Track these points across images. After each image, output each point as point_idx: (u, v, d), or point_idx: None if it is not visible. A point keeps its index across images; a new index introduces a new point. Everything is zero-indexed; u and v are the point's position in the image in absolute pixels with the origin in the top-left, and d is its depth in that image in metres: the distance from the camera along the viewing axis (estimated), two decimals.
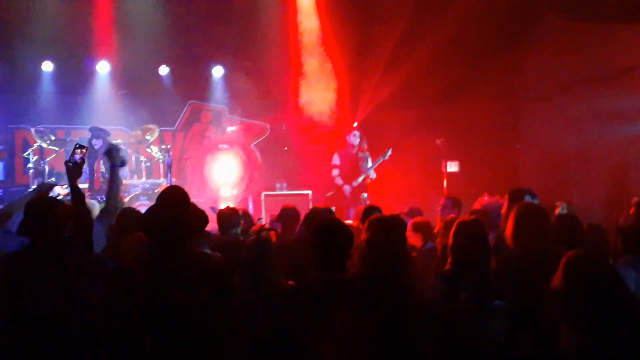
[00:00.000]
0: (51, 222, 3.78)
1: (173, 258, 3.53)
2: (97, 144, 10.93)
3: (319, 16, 12.60)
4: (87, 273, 3.75)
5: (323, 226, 3.79)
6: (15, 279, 3.65)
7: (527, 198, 5.42)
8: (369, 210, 6.38)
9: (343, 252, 3.67)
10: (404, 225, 4.61)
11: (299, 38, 12.68)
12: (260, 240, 4.18)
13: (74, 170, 4.26)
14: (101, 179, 10.68)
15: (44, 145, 11.28)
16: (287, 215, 6.68)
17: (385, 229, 4.00)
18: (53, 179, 10.64)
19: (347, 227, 3.81)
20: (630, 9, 10.05)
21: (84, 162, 4.36)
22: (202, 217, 4.13)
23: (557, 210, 6.92)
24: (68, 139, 11.66)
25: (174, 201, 3.71)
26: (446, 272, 4.14)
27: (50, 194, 4.90)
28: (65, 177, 4.32)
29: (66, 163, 4.29)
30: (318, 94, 12.94)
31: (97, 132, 11.14)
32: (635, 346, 2.96)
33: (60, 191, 4.92)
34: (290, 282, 4.04)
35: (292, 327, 3.20)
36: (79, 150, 4.31)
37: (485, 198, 6.07)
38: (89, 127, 11.47)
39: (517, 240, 4.26)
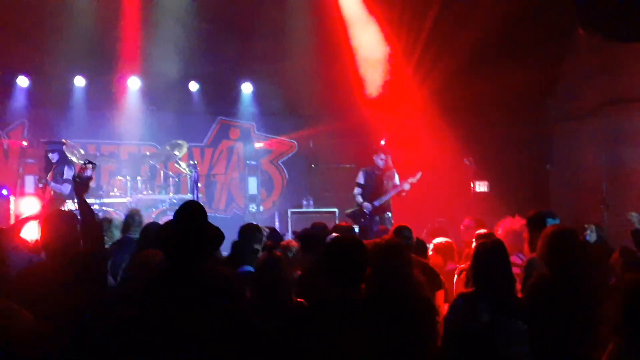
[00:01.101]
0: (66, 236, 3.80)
1: (186, 273, 3.51)
2: (54, 157, 10.85)
3: (348, 31, 12.61)
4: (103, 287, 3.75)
5: (336, 243, 3.78)
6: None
7: (550, 220, 5.32)
8: (398, 230, 6.33)
9: (355, 269, 3.65)
10: (406, 247, 4.56)
11: (328, 55, 12.70)
12: (271, 257, 4.16)
13: (81, 186, 4.28)
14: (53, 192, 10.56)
15: (74, 159, 11.39)
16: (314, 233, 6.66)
17: (387, 253, 3.95)
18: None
19: (361, 244, 3.80)
20: None
21: (92, 179, 4.37)
22: (217, 234, 4.11)
23: (586, 234, 6.82)
24: (98, 153, 11.79)
25: (189, 216, 3.69)
26: (468, 293, 4.08)
27: (84, 175, 4.85)
28: (94, 191, 4.35)
29: (74, 178, 4.30)
30: (346, 111, 12.95)
31: (52, 146, 11.05)
32: None
33: (89, 172, 4.95)
34: (300, 300, 4.01)
35: (301, 345, 3.18)
36: (90, 166, 4.32)
37: (508, 220, 6.00)
38: (118, 141, 11.58)
39: (546, 265, 4.18)
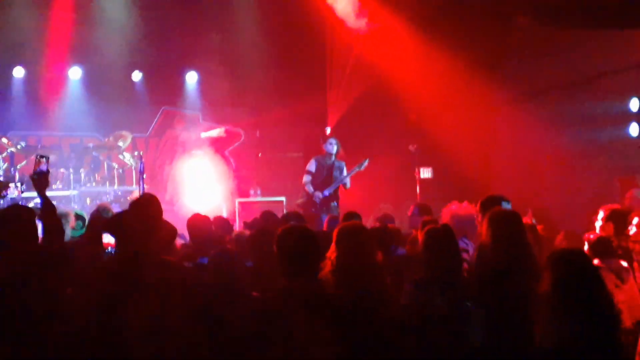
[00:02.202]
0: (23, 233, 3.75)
1: (143, 267, 3.50)
2: None
3: (292, 20, 12.60)
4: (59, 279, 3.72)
5: (287, 233, 3.80)
6: None
7: (504, 204, 5.42)
8: (349, 216, 6.38)
9: (309, 259, 3.68)
10: (373, 235, 4.59)
11: (273, 43, 12.68)
12: (222, 253, 4.17)
13: (41, 182, 4.21)
14: None
15: (14, 150, 11.13)
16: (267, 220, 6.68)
17: (355, 242, 3.97)
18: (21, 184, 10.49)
19: (312, 234, 3.83)
20: (603, 15, 10.18)
21: (49, 172, 4.31)
22: (171, 230, 4.12)
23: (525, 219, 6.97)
24: (39, 146, 11.54)
25: (149, 211, 3.68)
26: (420, 279, 4.15)
27: (4, 194, 4.82)
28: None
29: (31, 177, 4.23)
30: (292, 100, 12.96)
31: None
32: (609, 341, 3.04)
33: (14, 192, 4.91)
34: (254, 293, 4.02)
35: (256, 338, 3.20)
36: (43, 160, 4.25)
37: (454, 206, 6.09)
38: (60, 133, 11.35)
39: (494, 247, 4.27)
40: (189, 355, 3.44)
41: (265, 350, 3.34)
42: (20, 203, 6.31)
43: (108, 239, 4.92)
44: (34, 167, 4.24)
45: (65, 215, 5.97)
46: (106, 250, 5.09)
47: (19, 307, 3.51)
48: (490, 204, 5.36)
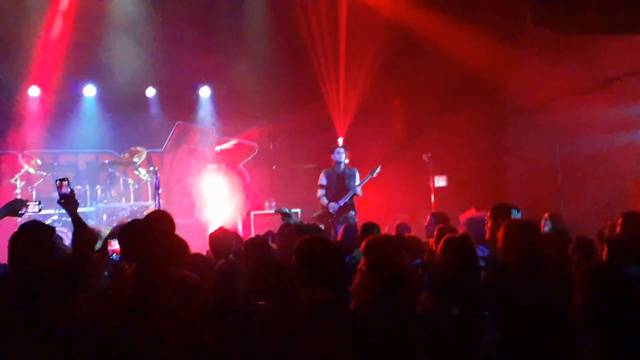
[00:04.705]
0: (34, 250, 3.78)
1: (154, 281, 3.53)
2: None
3: (302, 34, 12.67)
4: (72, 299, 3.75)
5: (304, 244, 3.81)
6: None
7: (514, 212, 5.42)
8: (368, 227, 6.38)
9: (324, 269, 3.68)
10: (400, 244, 4.59)
11: (285, 56, 12.74)
12: (228, 264, 4.18)
13: (69, 204, 4.26)
14: None
15: (31, 170, 11.23)
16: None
17: (385, 252, 3.95)
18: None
19: (329, 244, 3.83)
20: (613, 21, 10.15)
21: (74, 192, 4.35)
22: (181, 245, 4.15)
23: (542, 224, 6.95)
24: (55, 164, 11.64)
25: (159, 227, 3.72)
26: (436, 287, 4.15)
27: (22, 212, 4.88)
28: (54, 202, 4.32)
29: (59, 202, 4.28)
30: (304, 112, 13.01)
31: None
32: None
33: (34, 208, 4.98)
34: (260, 303, 4.03)
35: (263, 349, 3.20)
36: (65, 183, 4.29)
37: (472, 212, 6.08)
38: (76, 150, 11.42)
39: (507, 256, 4.27)
40: None
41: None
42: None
43: (113, 246, 4.95)
44: (59, 192, 4.28)
45: (99, 232, 6.04)
46: (111, 258, 5.11)
47: (33, 323, 3.53)
48: (499, 212, 5.36)
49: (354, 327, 3.45)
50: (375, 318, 3.58)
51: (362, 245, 3.99)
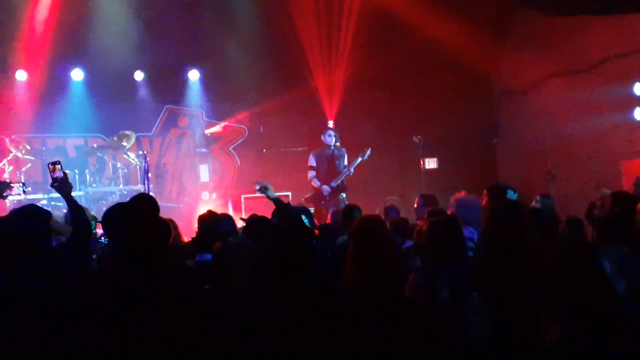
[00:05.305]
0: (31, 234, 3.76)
1: (140, 267, 3.50)
2: None
3: (291, 17, 12.61)
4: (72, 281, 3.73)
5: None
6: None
7: (510, 193, 5.40)
8: (349, 210, 6.36)
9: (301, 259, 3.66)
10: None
11: (273, 39, 12.68)
12: (227, 246, 4.14)
13: (63, 187, 4.24)
14: None
15: (20, 155, 11.16)
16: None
17: (372, 236, 3.90)
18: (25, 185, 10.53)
19: (307, 228, 3.80)
20: (602, 1, 10.15)
21: (67, 174, 4.33)
22: (166, 229, 4.11)
23: (532, 204, 6.96)
24: (43, 148, 11.56)
25: (140, 210, 3.69)
26: (424, 270, 4.13)
27: (6, 194, 4.85)
28: (43, 187, 4.29)
29: (52, 185, 4.26)
30: (294, 95, 12.96)
31: None
32: (614, 335, 3.03)
33: (18, 190, 4.95)
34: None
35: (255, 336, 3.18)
36: (58, 167, 4.26)
37: (462, 194, 6.06)
38: (64, 135, 11.35)
39: (490, 238, 4.25)
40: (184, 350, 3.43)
41: (266, 348, 3.33)
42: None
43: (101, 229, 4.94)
44: (51, 175, 4.25)
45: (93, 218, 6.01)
46: (99, 240, 5.08)
47: (25, 307, 3.52)
48: (496, 191, 5.34)
49: (342, 312, 3.44)
50: (363, 301, 3.56)
51: (350, 231, 3.95)
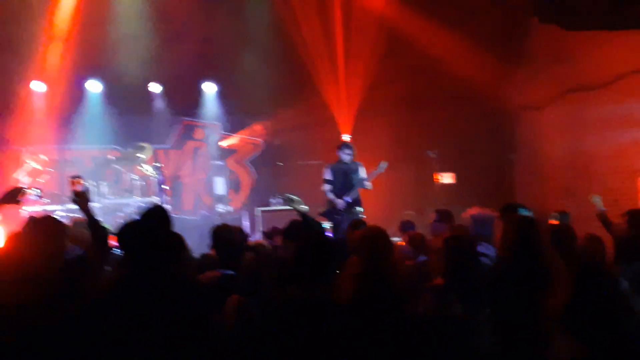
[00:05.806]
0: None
1: (151, 279, 3.50)
2: None
3: (308, 30, 12.65)
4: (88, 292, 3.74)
5: (304, 241, 3.77)
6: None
7: (522, 211, 5.36)
8: (354, 224, 6.38)
9: (320, 267, 3.63)
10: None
11: (289, 52, 12.72)
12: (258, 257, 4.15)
13: (82, 201, 4.27)
14: None
15: (36, 165, 11.21)
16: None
17: (375, 248, 3.88)
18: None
19: (328, 242, 3.78)
20: (617, 18, 10.08)
21: (88, 189, 4.37)
22: (179, 241, 4.12)
23: (550, 221, 6.92)
24: (60, 160, 11.63)
25: (153, 221, 3.69)
26: (436, 285, 4.11)
27: (19, 199, 4.87)
28: (60, 198, 4.32)
29: (72, 199, 4.31)
30: (310, 107, 12.98)
31: None
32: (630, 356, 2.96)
33: (35, 198, 5.02)
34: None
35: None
36: (80, 180, 4.32)
37: (475, 210, 6.02)
38: (81, 146, 11.41)
39: (505, 254, 4.21)
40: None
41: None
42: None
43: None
44: (72, 189, 4.30)
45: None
46: (112, 252, 5.09)
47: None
48: (508, 211, 5.31)
49: (339, 322, 3.41)
50: (357, 312, 3.53)
51: (358, 242, 3.94)
